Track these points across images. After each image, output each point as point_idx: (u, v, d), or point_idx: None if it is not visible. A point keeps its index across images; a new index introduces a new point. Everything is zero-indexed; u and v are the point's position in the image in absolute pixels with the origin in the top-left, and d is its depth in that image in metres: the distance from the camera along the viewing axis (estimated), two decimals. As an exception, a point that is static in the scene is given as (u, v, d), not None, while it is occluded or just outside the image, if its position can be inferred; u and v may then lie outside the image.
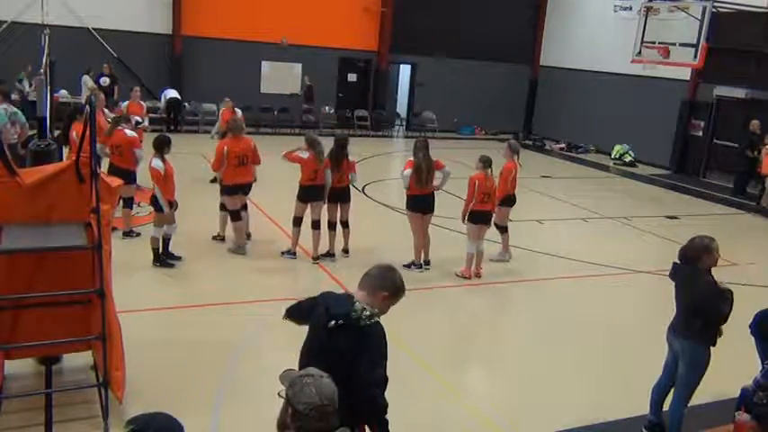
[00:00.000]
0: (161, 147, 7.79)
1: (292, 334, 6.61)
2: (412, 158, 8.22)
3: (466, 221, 8.26)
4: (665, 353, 5.17)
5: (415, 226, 8.42)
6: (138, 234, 8.80)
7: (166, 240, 8.00)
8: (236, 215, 8.52)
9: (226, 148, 8.30)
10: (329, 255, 8.57)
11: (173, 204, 7.90)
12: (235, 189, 8.41)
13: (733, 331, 6.14)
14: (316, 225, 8.36)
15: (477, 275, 8.36)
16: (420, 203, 8.28)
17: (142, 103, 12.76)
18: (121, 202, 8.31)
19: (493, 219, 8.54)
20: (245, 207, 8.80)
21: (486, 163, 8.20)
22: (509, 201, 8.98)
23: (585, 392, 5.77)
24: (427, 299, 7.55)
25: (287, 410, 2.38)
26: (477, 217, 8.20)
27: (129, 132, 8.77)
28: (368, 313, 3.18)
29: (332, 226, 8.58)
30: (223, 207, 8.81)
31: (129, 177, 8.30)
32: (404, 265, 8.15)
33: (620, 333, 7.16)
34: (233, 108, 12.59)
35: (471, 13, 20.81)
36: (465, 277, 8.30)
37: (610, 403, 5.60)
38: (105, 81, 16.23)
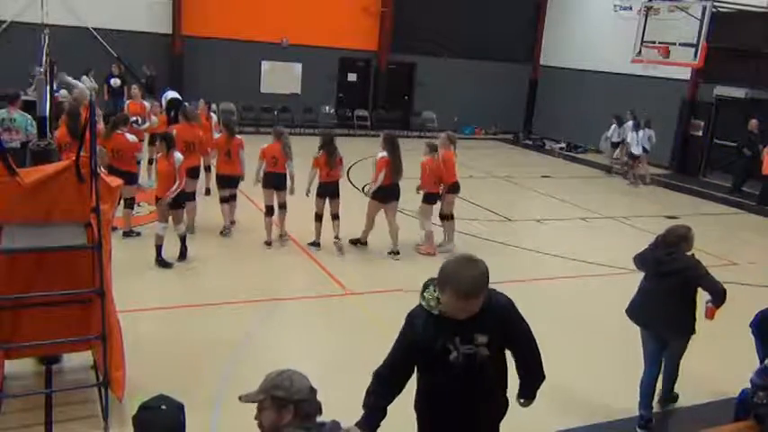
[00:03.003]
0: (174, 143, 8.14)
1: (292, 334, 6.64)
2: (385, 155, 8.62)
3: (421, 203, 8.99)
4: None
5: (388, 215, 8.93)
6: (139, 234, 8.81)
7: (184, 239, 8.16)
8: (189, 196, 8.84)
9: (175, 131, 8.98)
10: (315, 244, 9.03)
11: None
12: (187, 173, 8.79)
13: (733, 331, 6.15)
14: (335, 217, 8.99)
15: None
16: (392, 192, 8.85)
17: (145, 102, 12.62)
18: (122, 202, 8.31)
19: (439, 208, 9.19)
20: (233, 197, 9.42)
21: (432, 148, 8.94)
22: (454, 188, 9.23)
23: (585, 392, 5.77)
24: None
25: (281, 413, 2.43)
26: (432, 198, 8.99)
27: (130, 137, 8.68)
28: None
29: (320, 218, 9.00)
30: (222, 200, 9.37)
31: (130, 179, 8.36)
32: (350, 240, 9.05)
33: (620, 333, 7.14)
34: (208, 110, 12.21)
35: (471, 12, 20.81)
36: (429, 254, 8.94)
37: (610, 403, 5.61)
38: (116, 82, 16.20)
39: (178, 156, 7.92)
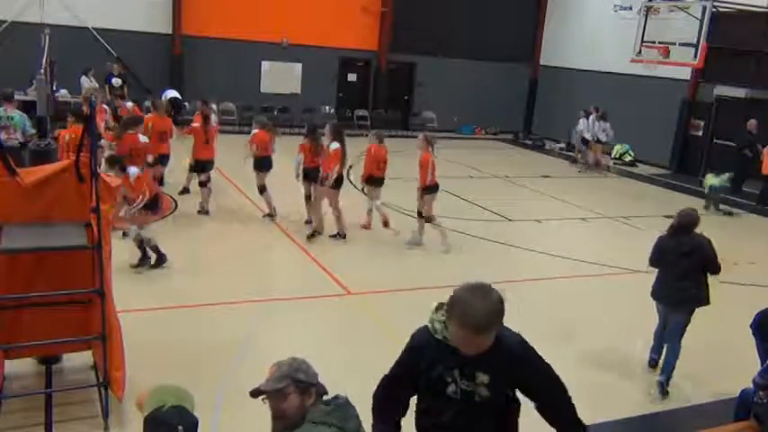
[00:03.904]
0: (123, 162, 8.12)
1: (293, 334, 6.64)
2: (338, 146, 8.98)
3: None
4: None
5: (336, 201, 9.29)
6: None
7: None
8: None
9: (150, 123, 9.83)
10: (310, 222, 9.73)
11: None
12: (156, 160, 9.70)
13: (733, 331, 6.15)
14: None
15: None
16: (342, 179, 9.29)
17: (127, 104, 12.70)
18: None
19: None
20: (209, 179, 10.07)
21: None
22: (432, 189, 9.18)
23: (585, 392, 5.76)
24: (423, 298, 7.54)
25: (304, 396, 2.46)
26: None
27: (142, 138, 8.83)
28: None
29: (309, 198, 9.75)
30: (201, 183, 10.08)
31: None
32: (330, 236, 9.30)
33: (620, 333, 7.16)
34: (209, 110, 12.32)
35: (471, 12, 20.80)
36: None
37: (610, 403, 5.60)
38: (117, 82, 16.20)
39: (133, 171, 7.61)
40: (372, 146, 9.75)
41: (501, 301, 2.56)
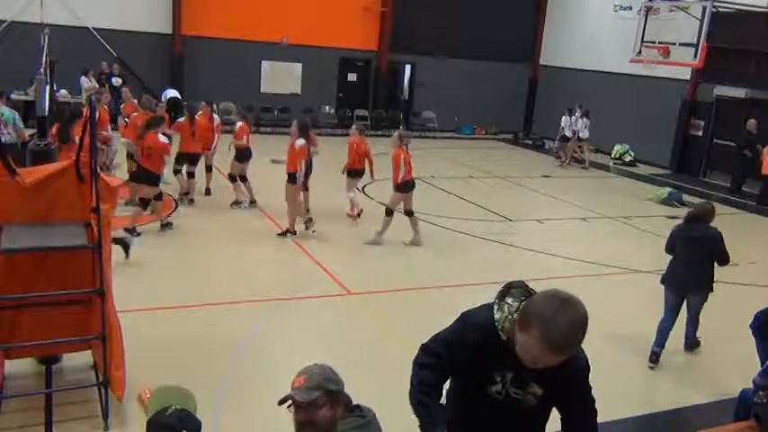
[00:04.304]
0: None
1: (293, 334, 6.64)
2: (304, 143, 9.09)
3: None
4: (666, 351, 5.17)
5: (301, 198, 9.48)
6: (139, 234, 8.80)
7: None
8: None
9: (136, 121, 9.94)
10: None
11: None
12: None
13: (733, 331, 6.15)
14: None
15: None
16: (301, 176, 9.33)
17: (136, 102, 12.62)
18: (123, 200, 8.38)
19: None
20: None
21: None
22: (407, 186, 9.13)
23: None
24: (423, 298, 7.54)
25: (335, 406, 2.36)
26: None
27: (162, 138, 8.94)
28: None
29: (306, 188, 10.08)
30: (189, 174, 10.61)
31: (154, 179, 8.93)
32: (278, 234, 9.34)
33: (620, 333, 7.16)
34: (210, 111, 11.99)
35: (471, 13, 20.80)
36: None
37: (610, 403, 5.58)
38: (117, 81, 16.23)
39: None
40: (354, 140, 10.11)
41: (587, 318, 2.28)
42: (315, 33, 18.92)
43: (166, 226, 9.18)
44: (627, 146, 18.86)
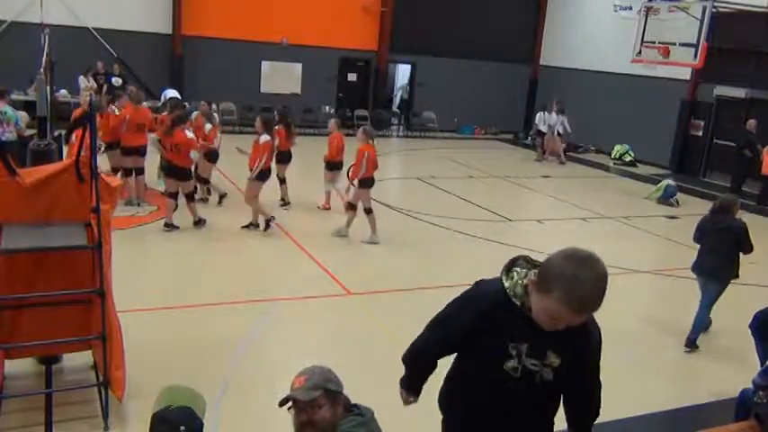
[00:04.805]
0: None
1: (293, 334, 6.64)
2: (268, 139, 9.16)
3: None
4: (665, 348, 5.16)
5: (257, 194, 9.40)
6: (177, 227, 9.12)
7: None
8: (127, 172, 10.08)
9: (128, 116, 9.98)
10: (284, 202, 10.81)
11: None
12: (129, 151, 10.07)
13: (734, 330, 6.15)
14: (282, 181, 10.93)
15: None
16: (270, 171, 9.47)
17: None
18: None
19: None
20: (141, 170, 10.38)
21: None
22: (367, 182, 9.14)
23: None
24: (423, 298, 7.54)
25: (335, 406, 2.41)
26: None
27: (189, 134, 9.12)
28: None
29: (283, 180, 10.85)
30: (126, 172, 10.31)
31: (185, 174, 9.20)
32: (242, 227, 9.42)
33: (621, 333, 7.15)
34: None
35: (471, 12, 20.80)
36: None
37: (610, 403, 5.59)
38: (118, 81, 16.21)
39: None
40: (333, 136, 10.49)
41: (607, 274, 2.21)
42: (315, 33, 18.92)
43: (199, 223, 9.39)
44: (627, 146, 18.85)
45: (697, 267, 6.80)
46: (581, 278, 2.16)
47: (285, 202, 10.82)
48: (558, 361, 2.41)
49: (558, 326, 2.27)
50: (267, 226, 9.40)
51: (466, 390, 2.59)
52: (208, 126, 10.58)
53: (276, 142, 9.95)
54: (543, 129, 18.00)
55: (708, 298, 6.65)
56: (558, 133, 17.93)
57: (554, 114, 17.87)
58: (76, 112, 9.82)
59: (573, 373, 2.49)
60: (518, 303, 2.37)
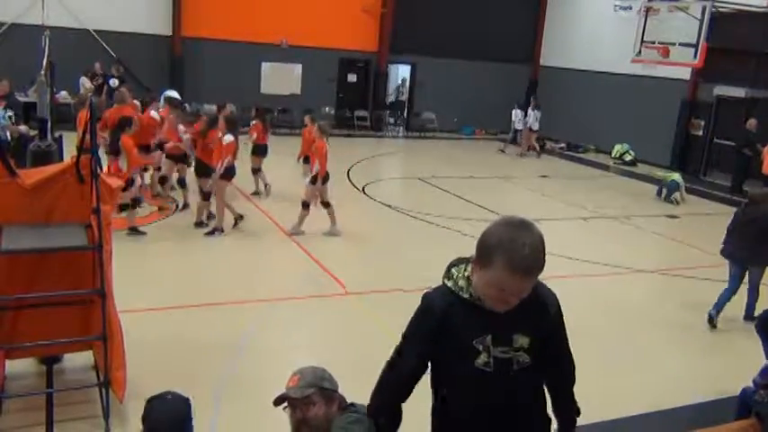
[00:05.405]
0: None
1: (292, 334, 6.64)
2: (232, 139, 9.02)
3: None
4: (666, 347, 5.16)
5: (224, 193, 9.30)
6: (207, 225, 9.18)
7: None
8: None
9: (107, 114, 10.04)
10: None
11: None
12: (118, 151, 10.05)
13: (735, 330, 6.16)
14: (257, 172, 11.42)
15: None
16: (234, 169, 9.32)
17: (136, 102, 12.59)
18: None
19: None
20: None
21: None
22: (324, 179, 9.24)
23: (586, 392, 5.76)
24: (420, 299, 7.55)
25: (330, 404, 2.45)
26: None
27: (227, 138, 9.08)
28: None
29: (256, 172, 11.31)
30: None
31: (211, 172, 9.15)
32: (206, 233, 9.11)
33: (621, 332, 7.16)
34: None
35: (471, 13, 20.82)
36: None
37: (610, 403, 5.60)
38: (115, 83, 16.22)
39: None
40: (306, 130, 10.92)
41: (541, 233, 2.20)
42: (315, 34, 18.94)
43: (240, 219, 9.49)
44: (627, 145, 18.87)
45: (728, 253, 7.30)
46: (519, 241, 2.14)
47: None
48: (528, 340, 2.35)
49: (509, 300, 2.22)
50: (235, 224, 9.46)
51: (453, 412, 2.47)
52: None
53: (254, 136, 10.92)
54: (519, 126, 18.95)
55: (755, 278, 7.21)
56: (532, 129, 18.60)
57: (530, 111, 18.54)
58: (81, 114, 9.81)
59: (545, 347, 2.44)
60: (467, 296, 2.33)
